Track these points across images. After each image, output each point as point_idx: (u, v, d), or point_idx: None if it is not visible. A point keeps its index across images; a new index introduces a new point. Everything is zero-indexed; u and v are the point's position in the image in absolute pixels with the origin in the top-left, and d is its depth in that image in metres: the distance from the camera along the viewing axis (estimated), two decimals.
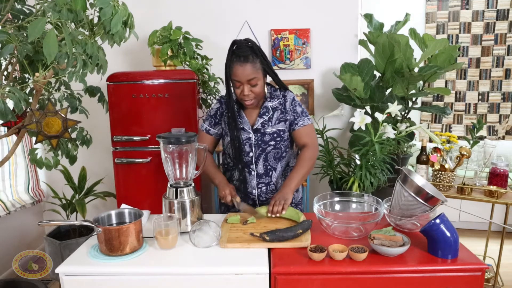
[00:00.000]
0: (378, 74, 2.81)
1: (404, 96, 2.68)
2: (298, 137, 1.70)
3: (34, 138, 1.68)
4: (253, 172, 1.73)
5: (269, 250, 1.33)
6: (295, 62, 3.00)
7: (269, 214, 1.51)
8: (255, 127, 1.70)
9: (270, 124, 1.69)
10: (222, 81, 2.76)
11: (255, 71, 1.57)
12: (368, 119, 2.22)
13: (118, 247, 1.28)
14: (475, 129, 2.39)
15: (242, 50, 1.57)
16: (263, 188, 1.74)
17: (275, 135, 1.68)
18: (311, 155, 1.65)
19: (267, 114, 1.70)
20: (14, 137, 2.58)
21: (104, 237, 1.28)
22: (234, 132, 1.68)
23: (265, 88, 1.69)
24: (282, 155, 1.73)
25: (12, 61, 1.63)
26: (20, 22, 1.52)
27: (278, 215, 1.50)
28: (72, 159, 1.89)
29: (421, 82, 2.72)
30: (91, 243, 1.41)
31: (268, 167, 1.72)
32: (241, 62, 1.56)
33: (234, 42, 1.60)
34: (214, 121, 1.79)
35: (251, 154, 1.70)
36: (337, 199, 1.60)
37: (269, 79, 1.73)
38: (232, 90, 1.67)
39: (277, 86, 1.76)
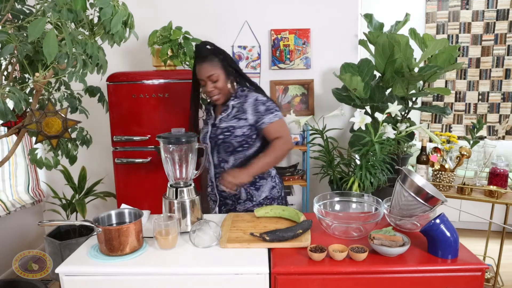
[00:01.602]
0: (378, 74, 2.81)
1: (404, 96, 2.68)
2: (267, 135, 1.76)
3: (34, 138, 1.68)
4: (211, 162, 1.85)
5: (269, 250, 1.33)
6: (295, 62, 3.00)
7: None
8: (214, 122, 1.82)
9: (225, 120, 1.78)
10: None
11: (213, 68, 1.71)
12: (368, 119, 2.22)
13: (118, 247, 1.28)
14: (475, 129, 2.39)
15: (200, 52, 1.73)
16: (219, 177, 1.81)
17: (225, 130, 1.76)
18: (278, 146, 1.72)
19: (226, 111, 1.79)
20: (14, 137, 2.58)
21: (104, 237, 1.28)
22: (191, 127, 1.91)
23: (234, 86, 1.81)
24: (236, 149, 1.78)
25: (12, 61, 1.64)
26: (20, 22, 1.52)
27: (221, 186, 1.65)
28: (72, 159, 1.89)
29: (421, 82, 2.72)
30: (91, 243, 1.40)
31: (220, 159, 1.82)
32: (200, 61, 1.73)
33: (195, 46, 1.77)
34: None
35: (208, 146, 1.83)
36: (337, 199, 1.60)
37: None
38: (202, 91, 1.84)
39: (246, 87, 1.84)
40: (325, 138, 2.67)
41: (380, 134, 2.31)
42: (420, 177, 1.46)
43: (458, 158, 2.26)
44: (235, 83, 1.82)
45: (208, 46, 1.74)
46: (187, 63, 2.55)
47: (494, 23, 3.68)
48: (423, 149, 2.33)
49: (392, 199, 1.48)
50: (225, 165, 1.81)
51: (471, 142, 2.36)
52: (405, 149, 2.76)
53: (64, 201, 2.79)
